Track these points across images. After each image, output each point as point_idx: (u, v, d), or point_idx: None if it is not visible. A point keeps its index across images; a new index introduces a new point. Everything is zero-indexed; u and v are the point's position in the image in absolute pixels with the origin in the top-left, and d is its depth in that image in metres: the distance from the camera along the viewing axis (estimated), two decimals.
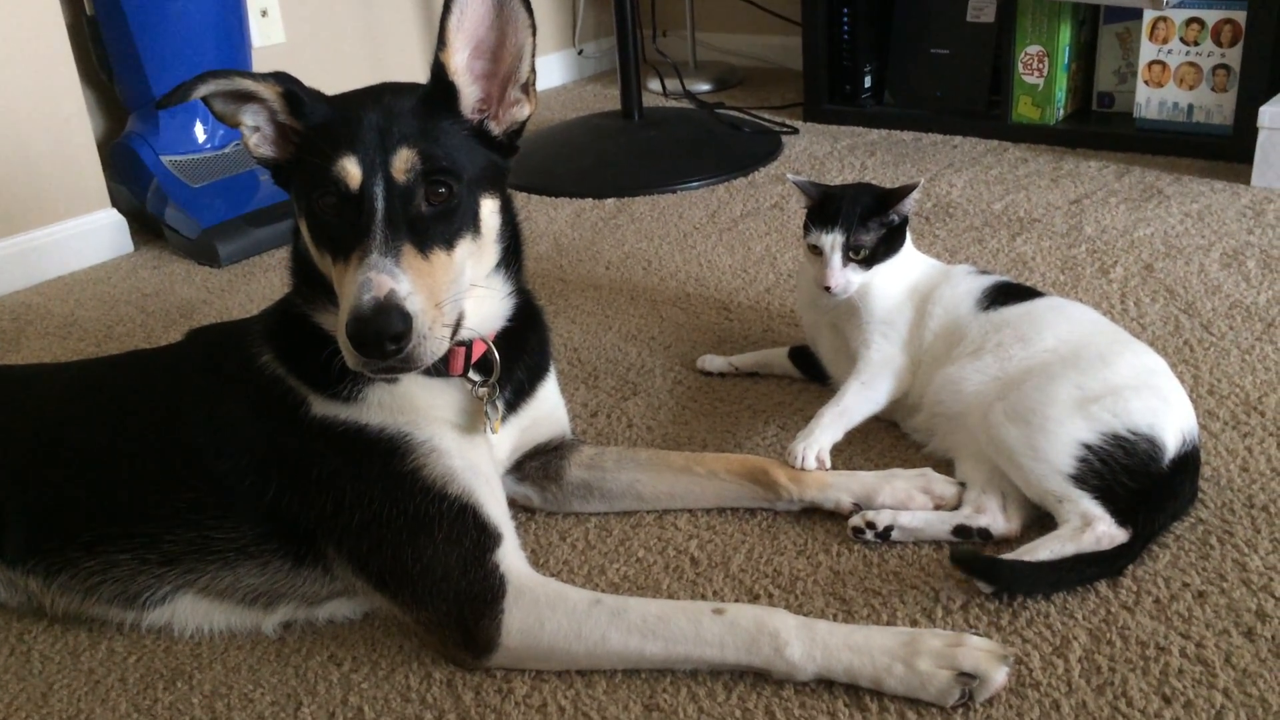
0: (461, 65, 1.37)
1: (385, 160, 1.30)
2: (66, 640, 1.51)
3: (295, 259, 1.49)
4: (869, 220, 1.77)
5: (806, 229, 1.82)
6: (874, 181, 3.03)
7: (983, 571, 1.40)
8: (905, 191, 1.76)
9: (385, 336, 1.22)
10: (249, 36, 3.21)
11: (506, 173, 1.46)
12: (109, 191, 3.05)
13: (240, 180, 3.11)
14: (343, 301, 1.27)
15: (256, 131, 1.40)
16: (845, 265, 1.76)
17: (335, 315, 1.40)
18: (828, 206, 1.80)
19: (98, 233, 3.00)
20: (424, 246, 1.30)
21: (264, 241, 2.96)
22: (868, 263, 1.77)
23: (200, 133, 3.13)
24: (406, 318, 1.23)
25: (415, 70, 4.00)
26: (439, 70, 1.37)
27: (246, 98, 1.38)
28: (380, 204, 1.28)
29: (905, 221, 1.79)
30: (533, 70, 1.42)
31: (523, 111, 1.44)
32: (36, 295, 2.81)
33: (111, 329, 2.55)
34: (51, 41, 2.85)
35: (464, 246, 1.35)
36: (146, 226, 3.12)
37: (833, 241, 1.77)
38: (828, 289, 1.77)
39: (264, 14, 3.50)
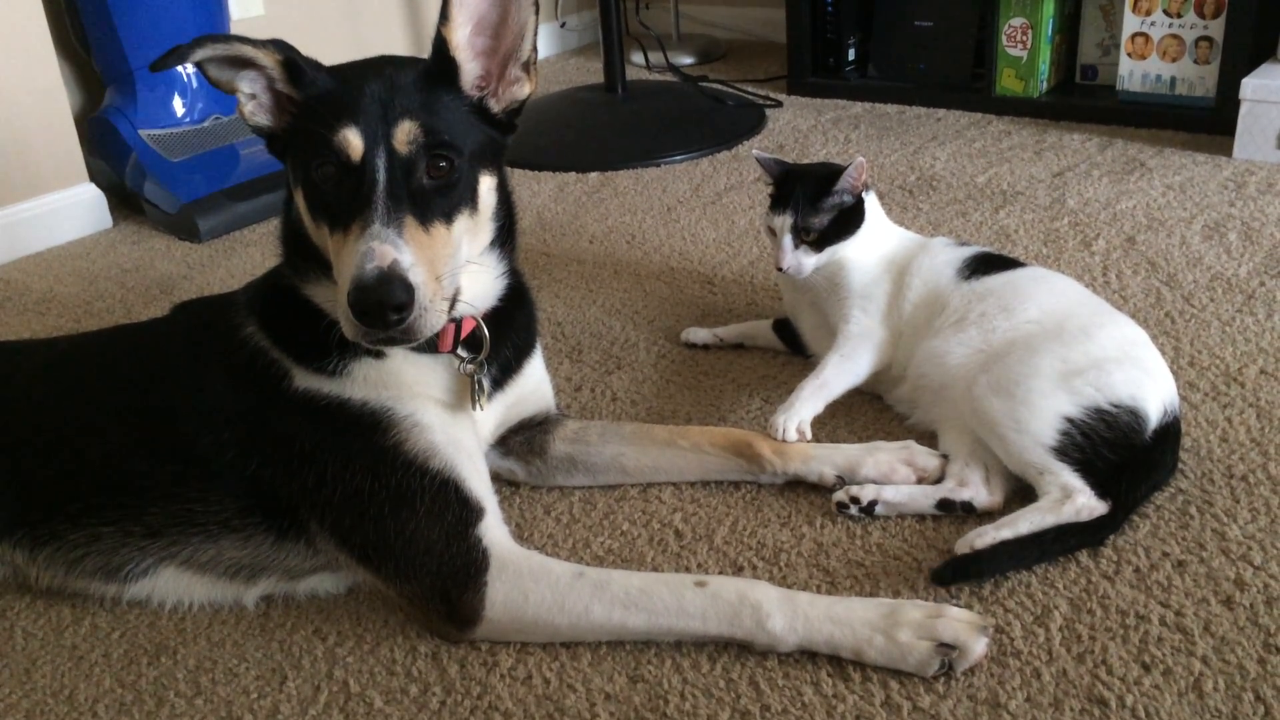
0: (463, 41, 1.36)
1: (388, 132, 1.29)
2: (49, 616, 1.51)
3: (286, 230, 1.47)
4: (819, 202, 1.77)
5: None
6: (857, 154, 3.04)
7: (966, 574, 1.40)
8: (841, 171, 1.76)
9: (388, 306, 1.21)
10: (227, 9, 3.17)
11: (504, 151, 1.45)
12: (87, 166, 3.02)
13: (220, 154, 3.08)
14: (342, 271, 1.26)
15: (253, 99, 1.38)
16: (797, 247, 1.78)
17: (327, 287, 1.40)
18: (784, 187, 1.81)
19: (76, 208, 2.97)
20: (424, 219, 1.29)
21: (244, 216, 2.94)
22: (819, 244, 1.78)
23: (179, 106, 3.09)
24: (409, 289, 1.22)
25: (395, 45, 3.97)
26: (440, 45, 1.36)
27: (244, 64, 1.35)
28: (382, 175, 1.27)
29: (860, 201, 1.80)
30: (534, 49, 1.41)
31: (523, 90, 1.43)
32: (15, 271, 2.78)
33: (91, 305, 2.54)
34: (27, 14, 2.81)
35: (462, 222, 1.35)
36: (125, 201, 3.09)
37: (783, 224, 1.79)
38: (781, 269, 1.79)
39: None
